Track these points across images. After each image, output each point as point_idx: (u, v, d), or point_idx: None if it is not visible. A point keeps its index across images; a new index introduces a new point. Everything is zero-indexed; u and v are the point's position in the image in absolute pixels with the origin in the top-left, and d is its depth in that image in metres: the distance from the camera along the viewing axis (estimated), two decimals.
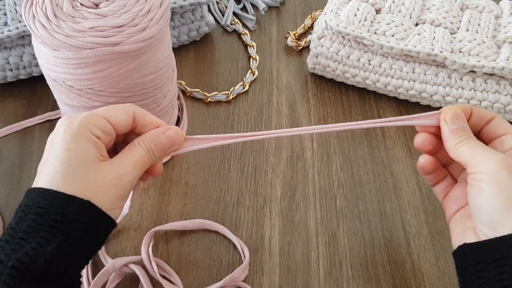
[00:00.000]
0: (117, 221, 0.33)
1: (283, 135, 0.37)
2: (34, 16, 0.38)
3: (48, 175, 0.30)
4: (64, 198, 0.29)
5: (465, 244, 0.31)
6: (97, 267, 0.42)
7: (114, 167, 0.32)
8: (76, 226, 0.29)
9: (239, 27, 0.63)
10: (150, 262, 0.41)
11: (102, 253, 0.43)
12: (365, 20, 0.52)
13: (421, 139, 0.37)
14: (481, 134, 0.36)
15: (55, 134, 0.31)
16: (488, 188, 0.30)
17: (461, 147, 0.33)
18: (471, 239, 0.31)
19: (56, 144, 0.31)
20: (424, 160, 0.37)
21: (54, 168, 0.30)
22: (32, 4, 0.39)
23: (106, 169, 0.31)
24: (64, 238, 0.29)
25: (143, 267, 0.41)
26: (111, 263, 0.41)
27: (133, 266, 0.41)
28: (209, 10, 0.64)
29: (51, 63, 0.38)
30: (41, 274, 0.27)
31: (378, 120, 0.37)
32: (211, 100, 0.55)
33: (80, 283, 0.30)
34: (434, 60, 0.51)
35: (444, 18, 0.52)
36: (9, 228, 0.29)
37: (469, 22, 0.53)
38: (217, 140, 0.36)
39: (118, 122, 0.33)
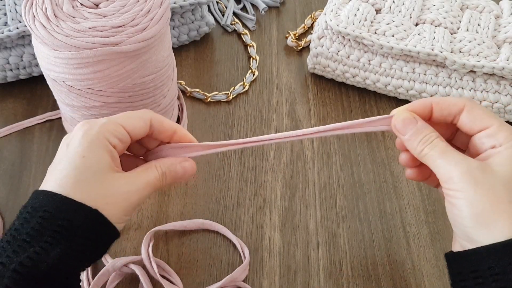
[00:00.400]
0: None
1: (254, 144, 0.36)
2: (34, 16, 0.38)
3: (59, 179, 0.30)
4: (72, 205, 0.29)
5: (450, 252, 0.32)
6: (97, 267, 0.42)
7: (128, 182, 0.32)
8: (81, 234, 0.29)
9: (239, 27, 0.63)
10: (150, 262, 0.41)
11: None
12: (365, 20, 0.52)
13: (404, 160, 0.35)
14: (459, 129, 0.33)
15: (71, 139, 0.31)
16: (457, 205, 0.30)
17: (427, 154, 0.31)
18: (457, 247, 0.32)
19: (71, 149, 0.30)
20: (408, 173, 0.36)
21: (66, 174, 0.30)
22: (32, 4, 0.39)
23: (119, 181, 0.31)
24: (68, 245, 0.28)
25: (143, 267, 0.41)
26: (111, 263, 0.41)
27: (133, 266, 0.41)
28: (209, 10, 0.64)
29: (51, 63, 0.38)
30: (42, 279, 0.27)
31: (330, 126, 0.34)
32: (211, 100, 0.55)
33: (79, 287, 0.30)
34: (434, 60, 0.51)
35: (444, 18, 0.52)
36: (12, 229, 0.28)
37: (469, 22, 0.53)
38: (211, 148, 0.36)
39: (134, 130, 0.33)
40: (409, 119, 0.32)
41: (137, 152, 0.36)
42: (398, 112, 0.33)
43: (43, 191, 0.30)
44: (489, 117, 0.31)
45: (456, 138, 0.35)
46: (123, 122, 0.32)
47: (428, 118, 0.33)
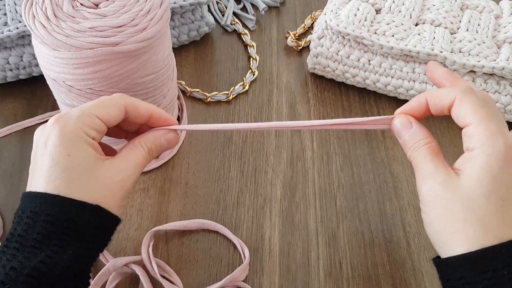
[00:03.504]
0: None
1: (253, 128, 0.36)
2: (34, 16, 0.38)
3: (50, 181, 0.29)
4: (74, 205, 0.29)
5: (435, 258, 0.31)
6: (97, 266, 0.42)
7: (118, 169, 0.32)
8: (89, 232, 0.29)
9: (239, 27, 0.63)
10: (151, 262, 0.41)
11: (103, 252, 0.43)
12: (365, 20, 0.52)
13: None
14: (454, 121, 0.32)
15: (48, 137, 0.30)
16: (423, 219, 0.31)
17: (412, 161, 0.32)
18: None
19: (51, 148, 0.30)
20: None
21: (57, 175, 0.29)
22: (32, 4, 0.39)
23: (111, 171, 0.31)
24: (78, 245, 0.29)
25: (143, 267, 0.41)
26: (112, 262, 0.41)
27: (133, 266, 0.41)
28: (209, 10, 0.64)
29: (51, 63, 0.38)
30: (56, 281, 0.27)
31: (332, 120, 0.35)
32: (211, 100, 0.55)
33: (89, 284, 0.31)
34: (434, 60, 0.51)
35: (444, 18, 0.52)
36: (16, 235, 0.28)
37: (469, 22, 0.53)
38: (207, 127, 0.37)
39: (110, 119, 0.32)
40: (404, 123, 0.33)
41: (116, 135, 0.36)
42: (399, 112, 0.34)
43: (38, 193, 0.29)
44: (472, 112, 0.29)
45: None
46: (97, 112, 0.31)
47: (429, 113, 0.33)
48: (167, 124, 0.35)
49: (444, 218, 0.29)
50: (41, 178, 0.30)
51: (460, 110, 0.30)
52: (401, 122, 0.33)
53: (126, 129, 0.36)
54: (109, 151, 0.35)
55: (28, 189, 0.30)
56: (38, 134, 0.31)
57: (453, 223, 0.28)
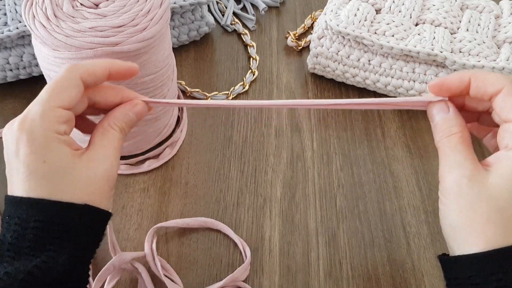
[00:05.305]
0: None
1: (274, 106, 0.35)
2: (34, 16, 0.38)
3: (32, 190, 0.27)
4: (62, 208, 0.28)
5: (442, 254, 0.31)
6: (97, 266, 0.42)
7: (98, 160, 0.30)
8: (81, 232, 0.28)
9: (239, 27, 0.63)
10: (154, 259, 0.41)
11: (112, 243, 0.42)
12: (365, 20, 0.52)
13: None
14: (491, 113, 0.30)
15: (17, 144, 0.28)
16: (441, 210, 0.29)
17: (440, 146, 0.30)
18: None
19: (24, 158, 0.28)
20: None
21: (37, 184, 0.28)
22: (32, 4, 0.39)
23: (90, 165, 0.29)
24: (73, 247, 0.28)
25: (145, 264, 0.41)
26: (117, 257, 0.40)
27: (135, 264, 0.41)
28: (209, 10, 0.64)
29: (51, 63, 0.38)
30: (54, 285, 0.27)
31: (368, 100, 0.33)
32: (211, 100, 0.55)
33: (88, 282, 0.30)
34: (434, 60, 0.51)
35: (444, 18, 0.52)
36: (7, 243, 0.27)
37: (469, 22, 0.53)
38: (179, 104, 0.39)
39: (72, 101, 0.29)
40: (441, 108, 0.31)
41: (88, 129, 0.34)
42: (436, 101, 0.31)
43: (22, 198, 0.28)
44: None
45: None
46: (57, 101, 0.29)
47: (466, 93, 0.30)
48: (129, 73, 0.33)
49: (465, 214, 0.27)
50: (20, 187, 0.28)
51: (507, 102, 0.28)
52: (438, 106, 0.31)
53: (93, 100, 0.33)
54: (92, 128, 0.33)
55: (10, 192, 0.29)
56: (7, 135, 0.29)
57: (473, 221, 0.27)
